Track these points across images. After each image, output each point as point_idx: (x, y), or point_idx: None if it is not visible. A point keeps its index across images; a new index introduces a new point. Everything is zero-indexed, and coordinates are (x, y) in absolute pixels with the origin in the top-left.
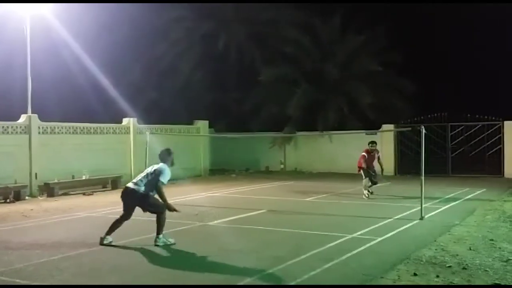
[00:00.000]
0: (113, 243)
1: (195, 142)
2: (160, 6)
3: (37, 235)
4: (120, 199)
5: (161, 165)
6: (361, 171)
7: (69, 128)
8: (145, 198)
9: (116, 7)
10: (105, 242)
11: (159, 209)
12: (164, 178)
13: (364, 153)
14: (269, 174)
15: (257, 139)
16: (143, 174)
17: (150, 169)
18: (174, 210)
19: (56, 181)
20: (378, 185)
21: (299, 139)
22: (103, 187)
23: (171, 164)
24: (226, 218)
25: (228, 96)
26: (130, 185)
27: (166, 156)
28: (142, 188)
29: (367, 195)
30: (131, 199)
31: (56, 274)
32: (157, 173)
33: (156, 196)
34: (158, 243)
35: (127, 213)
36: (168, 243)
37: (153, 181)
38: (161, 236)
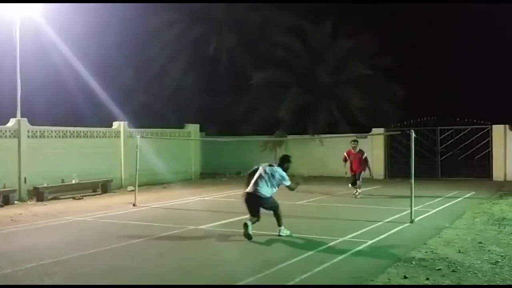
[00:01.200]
0: (104, 247)
1: (186, 146)
2: (151, 9)
3: (26, 239)
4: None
5: (279, 169)
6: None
7: (59, 132)
8: (267, 200)
9: (107, 10)
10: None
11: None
12: (288, 181)
13: (345, 154)
14: None
15: (248, 143)
16: (264, 178)
17: (268, 172)
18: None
19: (45, 185)
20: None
21: (290, 142)
22: (93, 191)
23: (286, 170)
24: (218, 222)
25: (219, 100)
26: (251, 190)
27: (282, 162)
28: (266, 193)
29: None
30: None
31: (46, 279)
32: (280, 178)
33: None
34: (281, 234)
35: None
36: (288, 233)
37: (277, 184)
38: (282, 227)
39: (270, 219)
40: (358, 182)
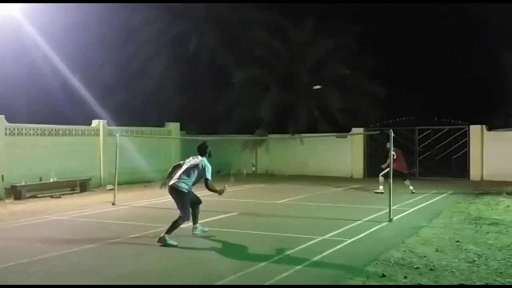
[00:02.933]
0: (83, 247)
1: (167, 144)
2: (131, 6)
3: (4, 238)
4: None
5: (203, 159)
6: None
7: (37, 129)
8: (182, 196)
9: (86, 7)
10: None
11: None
12: (209, 174)
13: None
14: (240, 177)
15: (229, 142)
16: (184, 169)
17: (192, 163)
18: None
19: (23, 183)
20: None
21: (270, 142)
22: (72, 190)
23: (209, 156)
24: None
25: (199, 98)
26: (172, 181)
27: (203, 149)
28: (186, 185)
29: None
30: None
31: (25, 278)
32: (202, 168)
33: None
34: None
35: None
36: (175, 243)
37: (199, 177)
38: (167, 236)
39: (248, 219)
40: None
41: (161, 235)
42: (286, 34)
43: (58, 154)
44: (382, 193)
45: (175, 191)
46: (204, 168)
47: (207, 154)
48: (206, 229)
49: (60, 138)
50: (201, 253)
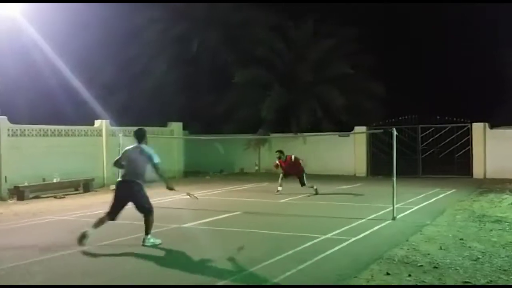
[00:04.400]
0: (85, 247)
1: (169, 144)
2: (132, 7)
3: (7, 239)
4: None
5: (145, 146)
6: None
7: (40, 130)
8: (141, 192)
9: (88, 8)
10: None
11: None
12: (157, 158)
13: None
14: (243, 176)
15: (231, 141)
16: (131, 164)
17: (136, 153)
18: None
19: (26, 184)
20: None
21: (273, 141)
22: (75, 190)
23: (146, 144)
24: (201, 220)
25: (202, 98)
26: (124, 177)
27: (142, 133)
28: (140, 179)
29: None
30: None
31: (28, 279)
32: (148, 157)
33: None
34: (146, 243)
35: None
36: (158, 242)
37: (145, 166)
38: (149, 236)
39: (251, 218)
40: (308, 185)
41: (143, 238)
42: (287, 33)
43: (61, 155)
44: None
45: (131, 188)
46: (150, 155)
47: (145, 141)
48: (159, 241)
49: (63, 138)
50: (205, 252)
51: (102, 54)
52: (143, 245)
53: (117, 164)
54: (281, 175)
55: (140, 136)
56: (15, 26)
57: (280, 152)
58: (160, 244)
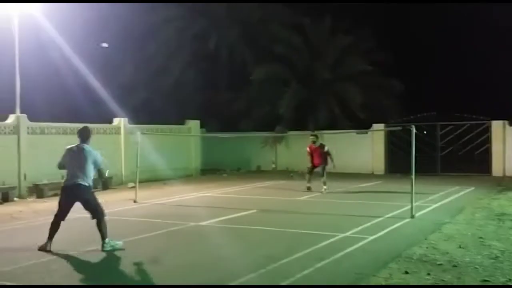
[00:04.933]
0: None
1: (186, 142)
2: (150, 5)
3: (26, 237)
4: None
5: (88, 147)
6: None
7: (59, 128)
8: (89, 194)
9: (106, 6)
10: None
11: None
12: (101, 163)
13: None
14: (260, 174)
15: (249, 139)
16: (75, 165)
17: (78, 156)
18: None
19: (45, 182)
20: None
21: (290, 138)
22: (94, 188)
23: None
24: (218, 218)
25: (219, 96)
26: (69, 181)
27: (88, 133)
28: (87, 181)
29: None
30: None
31: (46, 277)
32: (93, 159)
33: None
34: (105, 248)
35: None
36: (117, 246)
37: (92, 168)
38: (107, 240)
39: (268, 216)
40: (323, 178)
41: (101, 244)
42: (305, 30)
43: None
44: None
45: (79, 191)
46: (95, 156)
47: (89, 141)
48: (120, 243)
49: None
50: (222, 250)
51: (120, 52)
52: (103, 251)
53: (60, 166)
54: (308, 169)
55: (84, 136)
56: (34, 25)
57: (316, 136)
58: (121, 246)
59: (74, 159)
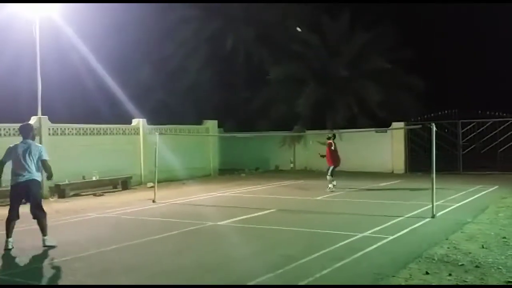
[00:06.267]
0: (125, 243)
1: (204, 142)
2: (167, 6)
3: (49, 236)
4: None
5: (32, 142)
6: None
7: (79, 129)
8: (37, 188)
9: (123, 7)
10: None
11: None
12: (46, 155)
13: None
14: (279, 173)
15: (267, 138)
16: (24, 161)
17: (23, 152)
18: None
19: (67, 182)
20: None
21: (308, 138)
22: (114, 188)
23: (33, 139)
24: (236, 218)
25: (236, 96)
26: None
27: (31, 130)
28: (37, 177)
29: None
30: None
31: (69, 275)
32: (40, 153)
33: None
34: (47, 244)
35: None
36: (53, 244)
37: (38, 163)
38: (47, 237)
39: (287, 215)
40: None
41: (43, 239)
42: (322, 29)
43: (100, 153)
44: None
45: (30, 186)
46: (40, 151)
47: (32, 136)
48: (54, 242)
49: (102, 137)
50: (241, 250)
51: (138, 53)
52: (44, 246)
53: (1, 164)
54: (330, 168)
55: (25, 132)
56: (53, 27)
57: (334, 136)
58: (55, 246)
59: (19, 156)
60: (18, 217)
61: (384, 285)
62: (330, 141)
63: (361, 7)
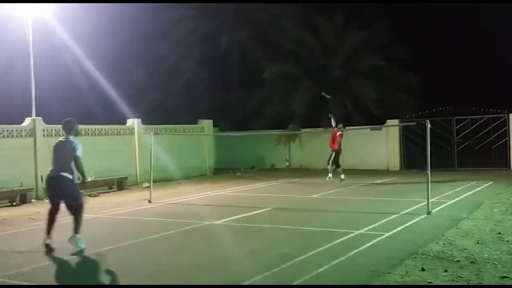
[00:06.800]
0: (121, 244)
1: (200, 142)
2: (161, 6)
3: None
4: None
5: (71, 138)
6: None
7: None
8: (71, 187)
9: (117, 8)
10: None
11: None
12: (79, 151)
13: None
14: (274, 172)
15: (262, 137)
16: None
17: (62, 146)
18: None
19: None
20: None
21: (303, 136)
22: (109, 188)
23: (76, 134)
24: (232, 217)
25: (231, 95)
26: (53, 172)
27: (72, 125)
28: (69, 173)
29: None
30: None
31: (65, 276)
32: (74, 148)
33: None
34: (72, 243)
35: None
36: (82, 247)
37: (72, 159)
38: (78, 235)
39: (282, 214)
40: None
41: (71, 236)
42: (316, 27)
43: (95, 154)
44: None
45: (60, 183)
46: (74, 146)
47: (73, 132)
48: (83, 246)
49: (96, 137)
50: (237, 249)
51: (132, 54)
52: (71, 244)
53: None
54: (332, 154)
55: (67, 128)
56: (47, 28)
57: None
58: (84, 249)
59: (58, 151)
60: (56, 212)
61: (377, 285)
62: (341, 132)
63: (355, 5)
